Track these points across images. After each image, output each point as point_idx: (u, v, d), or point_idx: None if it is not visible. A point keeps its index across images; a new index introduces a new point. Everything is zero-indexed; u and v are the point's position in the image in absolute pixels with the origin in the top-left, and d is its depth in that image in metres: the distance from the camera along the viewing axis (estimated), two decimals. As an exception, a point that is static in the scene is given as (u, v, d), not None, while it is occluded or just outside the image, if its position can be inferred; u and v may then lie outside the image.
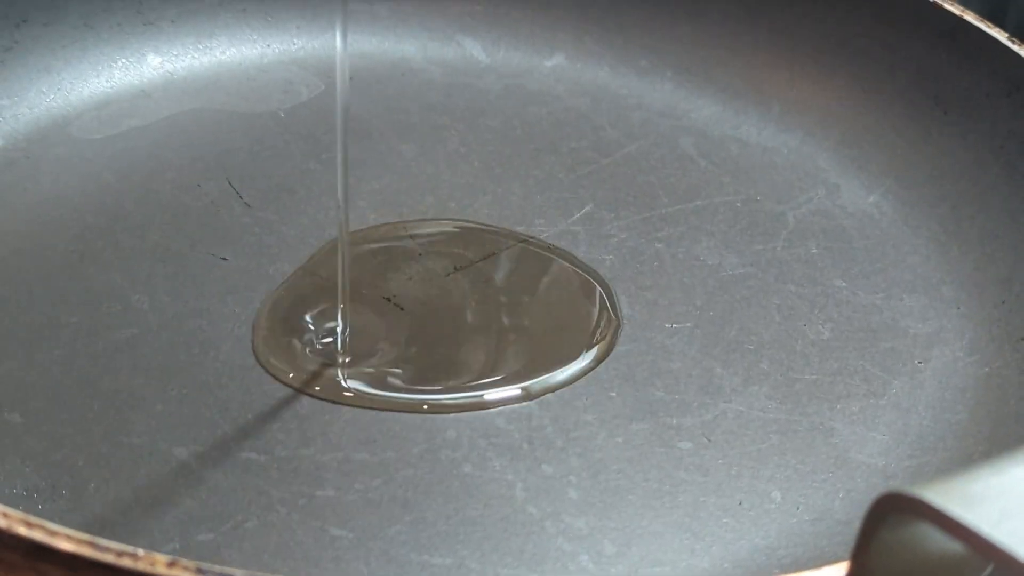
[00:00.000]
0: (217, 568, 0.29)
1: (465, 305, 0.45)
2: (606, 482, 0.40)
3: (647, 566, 0.38)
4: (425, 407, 0.42)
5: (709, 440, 0.41)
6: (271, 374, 0.42)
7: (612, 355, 0.44)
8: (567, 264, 0.47)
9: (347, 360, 0.43)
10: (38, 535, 0.30)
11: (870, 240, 0.49)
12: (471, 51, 0.56)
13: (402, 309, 0.45)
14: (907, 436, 0.42)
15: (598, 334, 0.45)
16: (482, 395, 0.42)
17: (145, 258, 0.46)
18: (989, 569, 0.30)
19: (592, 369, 0.43)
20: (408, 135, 0.52)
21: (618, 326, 0.45)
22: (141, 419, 0.40)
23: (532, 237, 0.48)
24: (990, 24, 0.50)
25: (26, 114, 0.50)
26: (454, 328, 0.45)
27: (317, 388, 0.42)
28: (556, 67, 0.56)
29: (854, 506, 0.39)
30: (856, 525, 0.28)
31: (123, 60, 0.53)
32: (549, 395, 0.43)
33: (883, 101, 0.53)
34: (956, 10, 0.51)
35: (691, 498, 0.40)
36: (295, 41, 0.55)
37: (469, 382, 0.43)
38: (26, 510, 0.31)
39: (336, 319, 0.43)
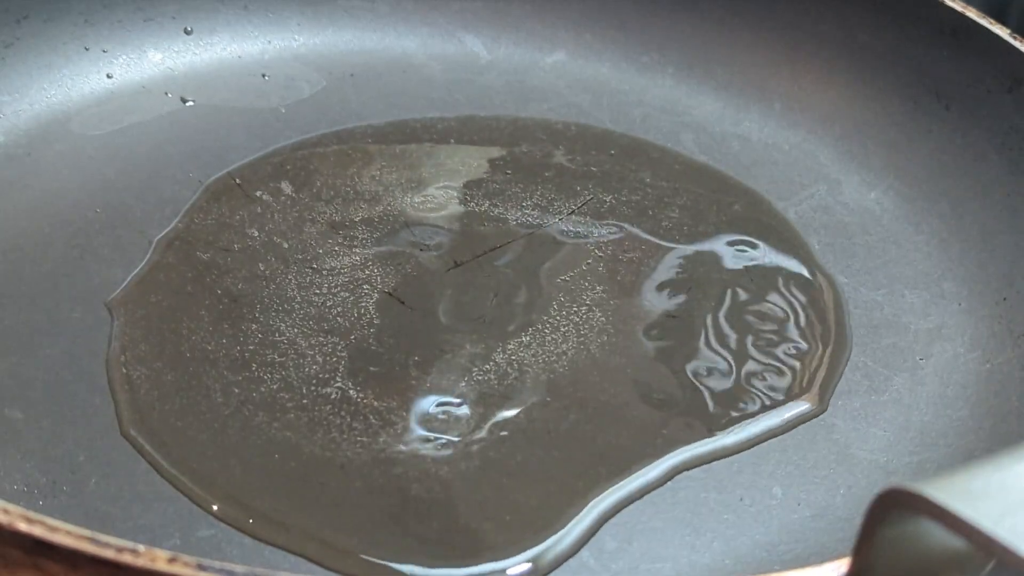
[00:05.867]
0: (217, 564, 0.29)
1: (461, 300, 0.45)
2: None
3: (648, 562, 0.38)
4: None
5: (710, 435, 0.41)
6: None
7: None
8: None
9: None
10: (38, 531, 0.29)
11: (871, 236, 0.49)
12: (472, 47, 0.56)
13: (403, 303, 0.45)
14: (908, 432, 0.42)
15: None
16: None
17: (145, 254, 0.45)
18: (991, 565, 0.30)
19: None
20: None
21: None
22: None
23: (536, 228, 0.48)
24: (992, 21, 0.50)
25: (27, 110, 0.50)
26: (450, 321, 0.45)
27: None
28: (557, 63, 0.56)
29: (855, 502, 0.39)
30: (857, 521, 0.28)
31: (124, 56, 0.53)
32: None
33: (885, 98, 0.53)
34: (958, 7, 0.51)
35: (692, 494, 0.39)
36: (296, 37, 0.55)
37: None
38: (26, 506, 0.31)
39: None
